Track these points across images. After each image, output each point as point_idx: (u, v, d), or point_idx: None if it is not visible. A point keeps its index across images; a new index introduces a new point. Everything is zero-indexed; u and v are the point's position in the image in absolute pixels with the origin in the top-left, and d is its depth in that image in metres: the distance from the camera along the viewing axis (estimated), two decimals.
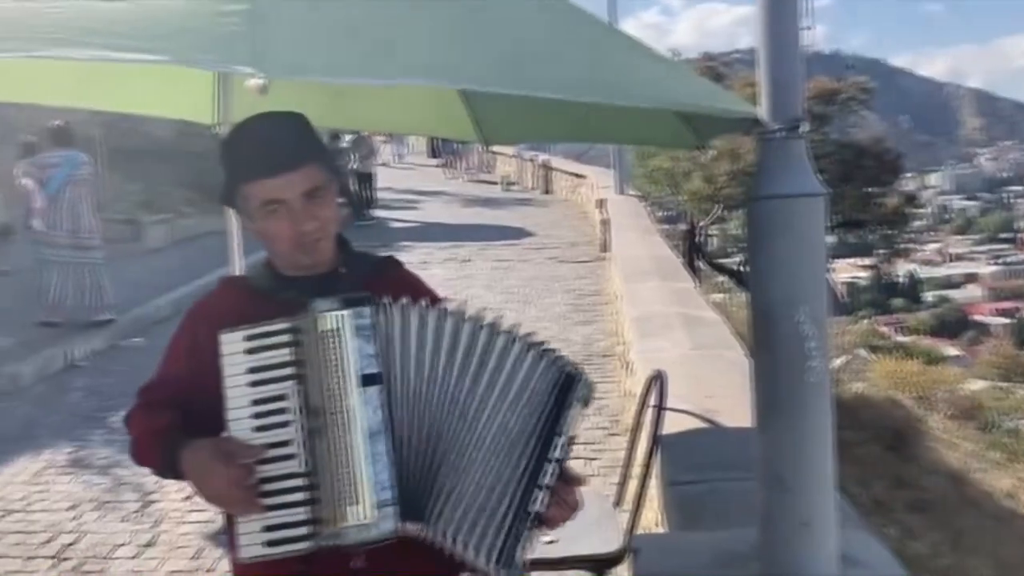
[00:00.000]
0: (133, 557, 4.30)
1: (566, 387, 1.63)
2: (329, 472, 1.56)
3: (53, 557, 4.32)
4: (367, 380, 1.58)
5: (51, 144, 8.12)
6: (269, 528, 1.58)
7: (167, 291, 9.45)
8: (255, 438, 1.59)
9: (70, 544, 4.45)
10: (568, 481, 1.66)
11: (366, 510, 1.54)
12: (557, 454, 1.61)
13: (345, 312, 1.59)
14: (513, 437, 1.62)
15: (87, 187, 8.19)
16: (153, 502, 4.84)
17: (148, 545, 4.41)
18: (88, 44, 1.46)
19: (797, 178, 2.06)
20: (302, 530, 1.57)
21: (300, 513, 1.57)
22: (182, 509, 4.67)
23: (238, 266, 3.86)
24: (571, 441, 1.63)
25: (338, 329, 1.58)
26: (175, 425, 1.71)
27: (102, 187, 9.70)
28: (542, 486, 1.60)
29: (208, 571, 4.12)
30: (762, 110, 2.10)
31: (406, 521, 1.57)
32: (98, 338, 8.19)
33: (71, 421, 6.32)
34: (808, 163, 2.09)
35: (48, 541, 4.49)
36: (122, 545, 4.42)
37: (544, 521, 1.62)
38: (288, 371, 1.60)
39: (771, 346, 2.10)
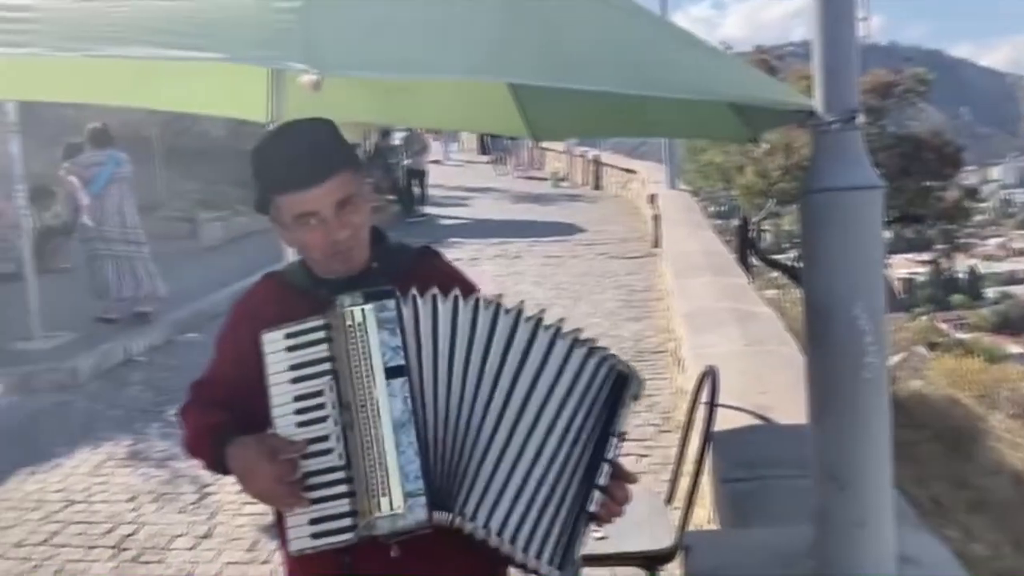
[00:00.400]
0: (190, 548, 4.38)
1: (619, 386, 1.62)
2: (361, 464, 1.58)
3: (113, 547, 4.43)
4: (392, 372, 1.59)
5: (90, 145, 8.40)
6: (315, 521, 1.60)
7: (223, 287, 9.59)
8: (298, 434, 1.62)
9: (129, 535, 4.55)
10: (619, 477, 1.65)
11: (396, 500, 1.55)
12: (611, 454, 1.61)
13: (367, 306, 1.60)
14: (563, 436, 1.62)
15: (128, 185, 8.49)
16: (209, 494, 4.93)
17: (205, 536, 4.50)
18: (146, 43, 1.48)
19: (853, 170, 2.02)
20: (345, 521, 1.59)
21: (343, 505, 1.59)
22: (237, 501, 4.75)
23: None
24: (622, 437, 1.63)
25: (362, 323, 1.60)
26: (225, 422, 1.74)
27: (159, 186, 9.90)
28: (598, 486, 1.60)
29: (263, 563, 4.18)
30: (816, 102, 2.06)
31: (437, 511, 1.58)
32: (155, 333, 8.37)
33: (130, 415, 6.46)
34: (864, 155, 2.05)
35: (109, 532, 4.60)
36: (180, 536, 4.52)
37: (596, 518, 1.62)
38: (324, 367, 1.62)
39: (826, 341, 2.06)
